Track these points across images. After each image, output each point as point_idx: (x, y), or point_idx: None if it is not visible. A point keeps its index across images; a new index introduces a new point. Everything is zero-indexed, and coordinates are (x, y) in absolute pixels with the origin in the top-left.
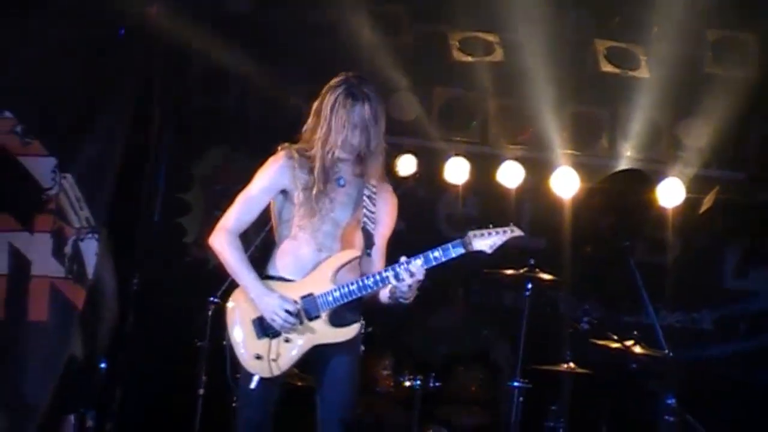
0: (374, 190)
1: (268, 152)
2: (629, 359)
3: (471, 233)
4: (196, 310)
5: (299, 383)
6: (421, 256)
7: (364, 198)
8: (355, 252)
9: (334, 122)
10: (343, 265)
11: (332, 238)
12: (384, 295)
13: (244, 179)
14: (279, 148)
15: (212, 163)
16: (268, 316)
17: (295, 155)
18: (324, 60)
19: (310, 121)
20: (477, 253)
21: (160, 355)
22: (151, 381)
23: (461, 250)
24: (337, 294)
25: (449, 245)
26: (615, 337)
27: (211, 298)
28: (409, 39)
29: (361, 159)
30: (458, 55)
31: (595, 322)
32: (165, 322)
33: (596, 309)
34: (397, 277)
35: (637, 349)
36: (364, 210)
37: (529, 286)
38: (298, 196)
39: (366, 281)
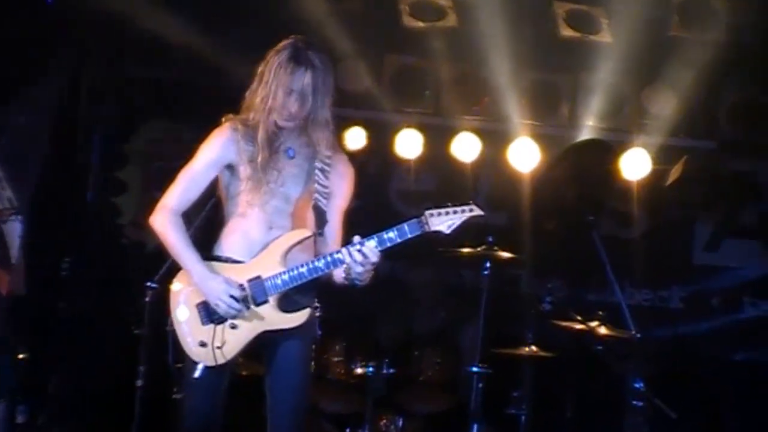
0: (328, 162)
1: (212, 125)
2: (594, 341)
3: (428, 212)
4: (132, 295)
5: (244, 372)
6: (375, 237)
7: (316, 171)
8: (306, 231)
9: (275, 87)
10: (293, 246)
11: (283, 214)
12: (339, 275)
13: (186, 155)
14: (223, 119)
15: (151, 137)
16: (212, 302)
17: (240, 127)
18: (269, 26)
19: (253, 84)
20: (434, 234)
21: (94, 344)
22: (85, 372)
23: (417, 231)
24: (286, 277)
25: (404, 225)
26: (579, 318)
27: (149, 283)
28: (357, 4)
29: (306, 129)
30: (409, 21)
31: (558, 302)
32: (99, 309)
33: (559, 288)
34: (351, 256)
35: (603, 330)
36: (316, 185)
37: (488, 264)
38: (244, 169)
39: (317, 263)
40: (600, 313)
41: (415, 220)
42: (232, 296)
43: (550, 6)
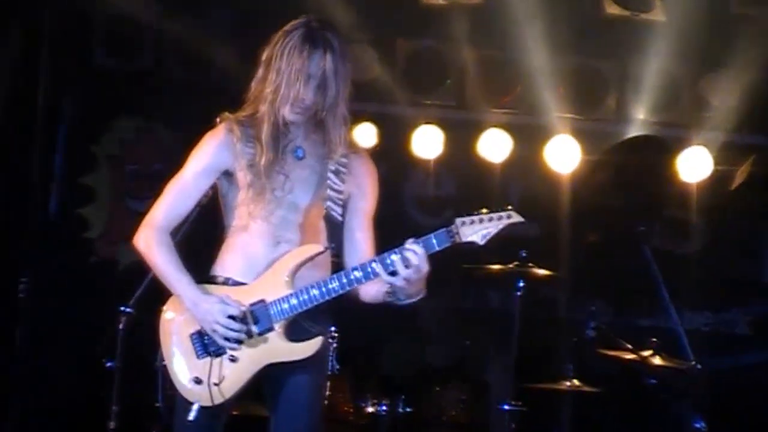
0: (343, 161)
1: (191, 123)
2: (647, 373)
3: (458, 220)
4: (103, 322)
5: (235, 412)
6: (396, 251)
7: (329, 174)
8: (317, 246)
9: (288, 73)
10: (301, 264)
11: (291, 227)
12: (373, 292)
13: (162, 157)
14: (218, 119)
15: (122, 137)
16: (207, 327)
17: (236, 127)
18: (258, 8)
19: (259, 72)
20: (466, 245)
21: (58, 379)
22: (48, 412)
23: (447, 243)
24: (294, 301)
25: (431, 236)
26: (628, 346)
27: (123, 308)
28: None
29: (319, 124)
30: None
31: (603, 328)
32: (63, 338)
33: (604, 311)
34: (367, 277)
35: (657, 360)
36: (329, 191)
37: (521, 284)
38: (244, 176)
39: (330, 284)
40: (653, 340)
41: (443, 231)
42: (230, 317)
43: None
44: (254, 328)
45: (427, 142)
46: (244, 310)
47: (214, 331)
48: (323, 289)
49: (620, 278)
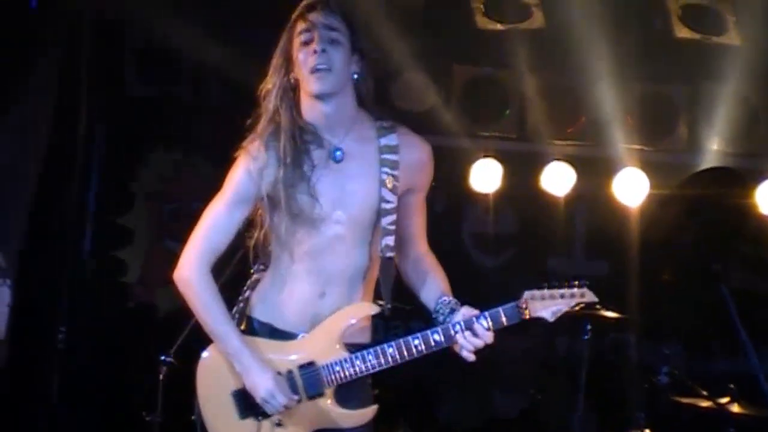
0: (394, 158)
1: (234, 155)
2: (725, 422)
3: (528, 293)
4: (142, 372)
5: None
6: (463, 324)
7: (383, 191)
8: (373, 307)
9: (288, 54)
10: (354, 324)
11: (338, 270)
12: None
13: (203, 193)
14: (246, 141)
15: (160, 173)
16: (257, 398)
17: (261, 149)
18: None
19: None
20: (535, 320)
21: None
22: None
23: (515, 319)
24: (350, 370)
25: (500, 310)
26: (705, 393)
27: (163, 357)
28: (419, 1)
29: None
30: (484, 22)
31: (676, 373)
32: (102, 389)
33: (678, 355)
34: (429, 348)
35: (735, 408)
36: (383, 203)
37: (588, 327)
38: (276, 199)
39: (389, 351)
40: (731, 386)
41: (512, 305)
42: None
43: (662, 0)
44: (303, 396)
45: (486, 176)
46: (296, 399)
47: (267, 403)
48: (381, 359)
49: (695, 319)
